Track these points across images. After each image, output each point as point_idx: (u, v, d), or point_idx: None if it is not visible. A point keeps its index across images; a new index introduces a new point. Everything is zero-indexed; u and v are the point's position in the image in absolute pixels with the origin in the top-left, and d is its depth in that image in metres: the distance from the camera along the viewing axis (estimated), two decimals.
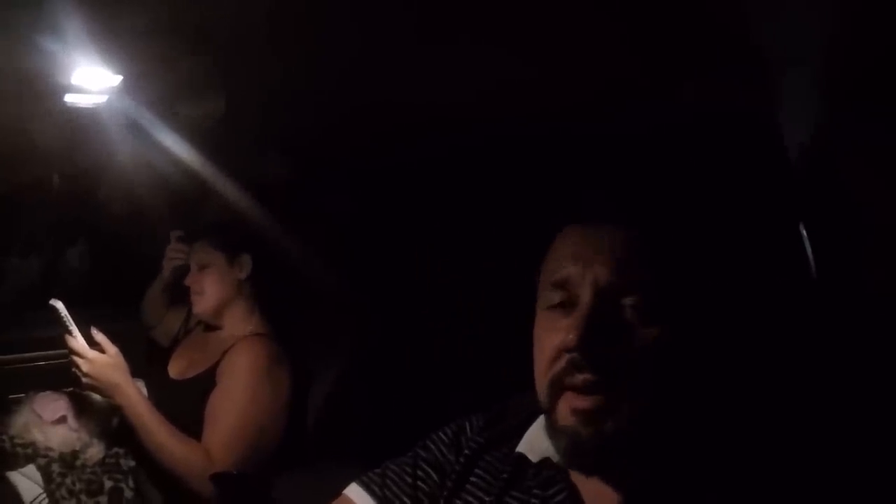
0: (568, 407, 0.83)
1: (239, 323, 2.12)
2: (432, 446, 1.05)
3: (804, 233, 1.37)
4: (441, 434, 1.06)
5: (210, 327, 2.15)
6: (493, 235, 1.91)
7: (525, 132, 1.75)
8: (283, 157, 2.09)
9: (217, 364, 2.00)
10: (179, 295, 2.25)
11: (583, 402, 0.82)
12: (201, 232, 2.15)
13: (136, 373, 1.99)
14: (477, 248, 1.99)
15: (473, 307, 1.95)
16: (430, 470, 1.02)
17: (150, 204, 2.20)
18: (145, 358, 2.29)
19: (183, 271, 2.19)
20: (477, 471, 0.99)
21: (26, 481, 1.73)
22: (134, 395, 1.85)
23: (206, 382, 1.98)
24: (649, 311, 0.82)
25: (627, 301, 0.82)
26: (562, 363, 0.83)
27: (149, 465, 1.88)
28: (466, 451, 1.01)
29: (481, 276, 1.91)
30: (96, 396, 1.95)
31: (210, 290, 2.10)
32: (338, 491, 1.08)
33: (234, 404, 1.91)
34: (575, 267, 0.85)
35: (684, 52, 1.33)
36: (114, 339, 1.93)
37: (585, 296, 0.83)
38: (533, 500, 0.92)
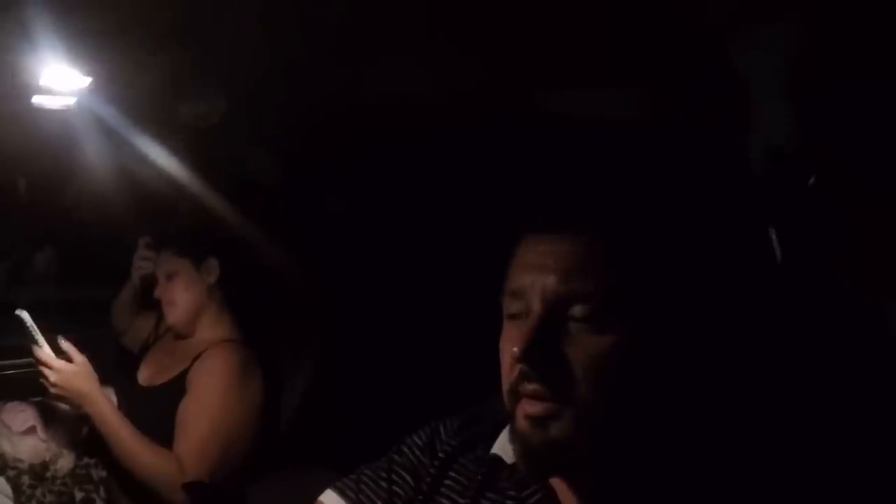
0: (522, 412, 0.85)
1: (209, 329, 2.09)
2: (406, 450, 1.05)
3: (773, 236, 1.38)
4: (415, 438, 1.06)
5: (180, 334, 2.11)
6: (470, 238, 1.91)
7: (500, 135, 1.76)
8: (262, 157, 2.07)
9: (187, 370, 1.98)
10: (149, 301, 2.21)
11: (533, 408, 0.83)
12: (167, 239, 2.12)
13: (105, 380, 1.96)
14: (452, 251, 1.99)
15: (449, 310, 1.95)
16: (404, 474, 1.03)
17: (120, 209, 2.16)
18: (115, 365, 2.25)
19: (151, 279, 2.15)
20: (451, 474, 0.99)
21: None
22: (103, 404, 1.83)
23: (175, 389, 1.95)
24: (598, 320, 0.83)
25: (576, 310, 0.83)
26: (515, 373, 0.85)
27: (120, 475, 1.86)
28: (441, 455, 1.01)
29: (457, 278, 1.91)
30: (65, 406, 1.91)
31: (180, 298, 2.07)
32: (312, 497, 1.07)
33: (206, 412, 1.89)
34: (527, 277, 0.87)
35: (651, 60, 1.34)
36: (82, 346, 1.90)
37: (535, 306, 0.85)
38: (508, 502, 0.92)
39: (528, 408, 0.84)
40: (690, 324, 0.88)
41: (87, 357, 1.88)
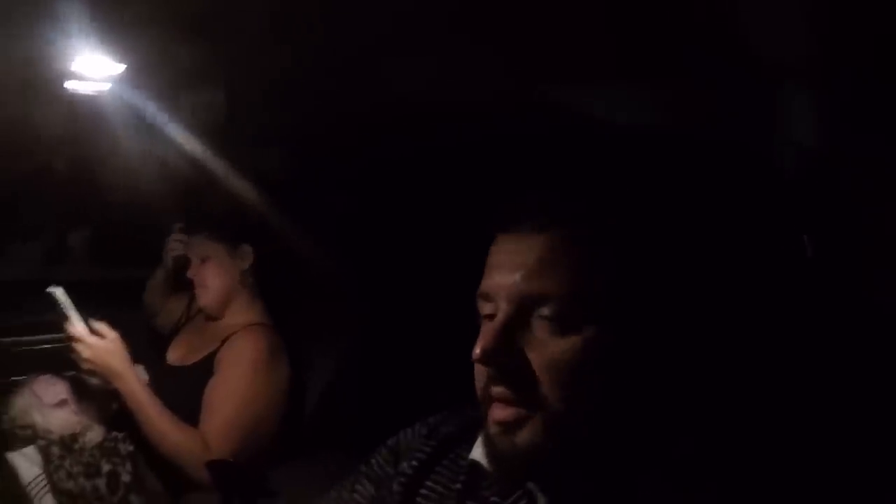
0: (491, 417, 0.83)
1: (240, 312, 2.13)
2: (373, 461, 1.06)
3: (805, 240, 1.37)
4: (383, 447, 1.07)
5: (211, 316, 2.16)
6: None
7: (505, 133, 1.76)
8: (284, 149, 2.11)
9: (216, 352, 2.02)
10: (181, 283, 2.26)
11: (500, 413, 0.82)
12: (201, 223, 2.16)
13: (136, 359, 2.01)
14: (472, 247, 2.00)
15: (468, 303, 1.96)
16: (367, 483, 1.04)
17: (152, 192, 2.22)
18: (146, 345, 2.30)
19: (184, 261, 2.20)
20: (428, 483, 0.98)
21: (26, 462, 1.75)
22: (132, 380, 1.88)
23: (204, 370, 2.00)
24: (564, 321, 0.81)
25: (543, 311, 0.81)
26: (483, 376, 0.84)
27: (147, 450, 1.90)
28: (415, 462, 1.00)
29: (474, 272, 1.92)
30: (97, 380, 1.97)
31: (212, 282, 2.12)
32: (334, 481, 1.09)
33: (232, 393, 1.94)
34: (495, 277, 0.85)
35: (675, 60, 1.33)
36: (115, 325, 1.95)
37: (501, 307, 0.83)
38: None
39: (496, 413, 0.83)
40: (674, 327, 0.86)
41: (120, 335, 1.93)
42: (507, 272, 0.84)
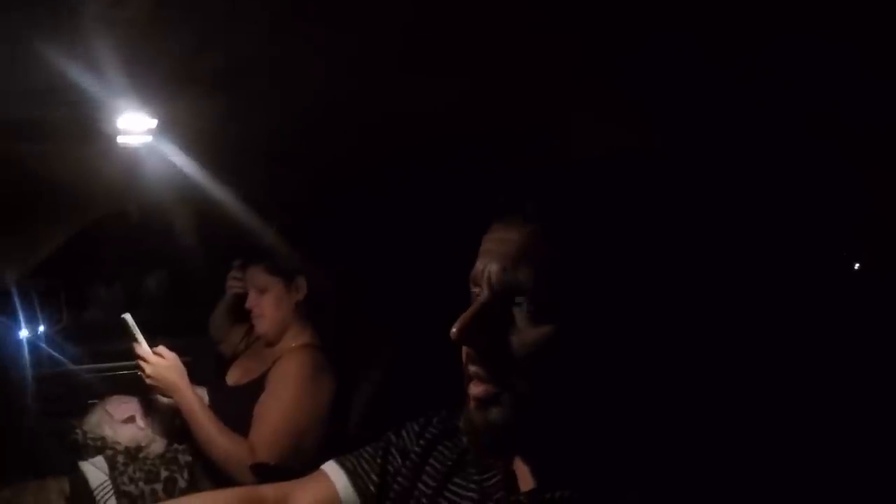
0: (469, 393, 0.89)
1: (293, 337, 2.31)
2: (403, 433, 1.17)
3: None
4: (413, 424, 1.18)
5: (268, 342, 2.34)
6: None
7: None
8: (316, 181, 2.24)
9: (267, 372, 2.21)
10: (241, 313, 2.48)
11: (475, 389, 0.87)
12: (256, 256, 2.33)
13: (201, 381, 2.27)
14: None
15: None
16: (396, 453, 1.15)
17: (212, 233, 2.43)
18: (211, 369, 2.55)
19: (243, 294, 2.39)
20: (431, 460, 1.10)
21: (94, 470, 1.99)
22: (188, 393, 2.10)
23: (257, 388, 2.19)
24: (538, 310, 0.84)
25: (520, 299, 0.85)
26: (464, 353, 0.89)
27: (204, 460, 2.11)
28: (422, 442, 1.12)
29: None
30: (163, 401, 2.22)
31: (269, 312, 2.28)
32: None
33: (279, 405, 2.11)
34: (480, 263, 0.90)
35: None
36: (186, 352, 2.20)
37: (484, 291, 0.88)
38: (471, 485, 1.02)
39: (472, 389, 0.88)
40: (643, 324, 0.89)
41: (191, 360, 2.17)
42: (491, 259, 0.88)
